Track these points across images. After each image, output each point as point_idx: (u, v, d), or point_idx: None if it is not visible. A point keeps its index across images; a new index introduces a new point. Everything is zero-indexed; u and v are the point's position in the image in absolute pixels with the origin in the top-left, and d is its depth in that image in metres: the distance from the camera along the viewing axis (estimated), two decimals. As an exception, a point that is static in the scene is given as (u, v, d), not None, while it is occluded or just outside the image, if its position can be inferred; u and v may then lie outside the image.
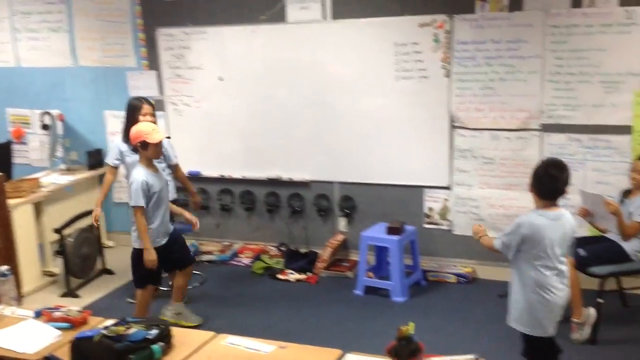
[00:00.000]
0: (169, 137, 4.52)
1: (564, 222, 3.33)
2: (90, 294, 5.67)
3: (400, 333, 2.90)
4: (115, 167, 5.14)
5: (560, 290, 3.36)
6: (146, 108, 4.98)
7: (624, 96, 4.84)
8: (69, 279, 5.68)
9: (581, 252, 4.38)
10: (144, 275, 4.58)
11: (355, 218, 5.93)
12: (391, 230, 5.32)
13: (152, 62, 6.32)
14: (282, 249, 6.10)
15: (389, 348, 2.90)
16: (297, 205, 6.06)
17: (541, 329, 3.39)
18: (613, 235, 4.49)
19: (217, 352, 3.14)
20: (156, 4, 6.16)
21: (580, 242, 4.53)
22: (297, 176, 6.00)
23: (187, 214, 4.85)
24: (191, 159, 6.37)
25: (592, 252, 4.43)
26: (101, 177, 6.69)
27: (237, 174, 6.25)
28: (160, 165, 4.83)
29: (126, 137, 4.97)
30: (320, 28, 5.63)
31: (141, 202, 4.40)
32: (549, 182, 3.31)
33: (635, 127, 4.85)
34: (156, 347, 3.02)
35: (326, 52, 5.64)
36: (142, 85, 6.40)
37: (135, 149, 4.50)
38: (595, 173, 5.02)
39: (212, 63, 6.08)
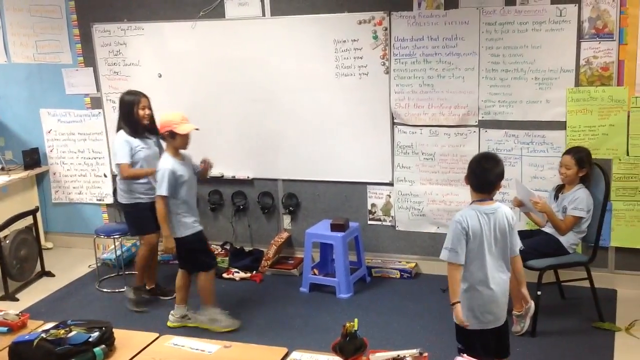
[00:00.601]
0: (197, 129, 4.59)
1: (498, 215, 3.34)
2: (30, 297, 5.54)
3: (345, 329, 2.92)
4: (131, 164, 5.00)
5: (497, 284, 3.37)
6: (144, 101, 4.98)
7: (557, 92, 4.97)
8: (7, 282, 5.52)
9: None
10: (197, 260, 4.70)
11: (299, 215, 5.94)
12: (335, 227, 5.35)
13: (88, 58, 6.20)
14: (227, 247, 6.06)
15: (334, 344, 2.92)
16: (241, 203, 6.04)
17: (468, 320, 3.36)
18: (550, 229, 4.62)
19: (161, 353, 3.10)
20: (91, -1, 6.05)
21: (519, 236, 4.63)
22: (240, 174, 5.98)
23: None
24: (131, 158, 6.28)
25: (530, 245, 4.53)
26: (38, 177, 6.57)
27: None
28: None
29: (133, 131, 4.96)
30: (259, 24, 5.61)
31: (164, 191, 4.47)
32: (482, 174, 3.35)
33: (569, 123, 5.00)
34: (98, 350, 2.98)
35: (266, 49, 5.63)
36: (78, 82, 6.29)
37: (162, 137, 4.57)
38: (532, 168, 5.15)
39: (150, 59, 6.00)
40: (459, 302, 3.33)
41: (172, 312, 4.87)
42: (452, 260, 3.31)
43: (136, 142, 4.98)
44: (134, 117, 4.95)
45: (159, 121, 4.62)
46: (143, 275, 5.27)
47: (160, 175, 4.49)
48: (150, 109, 5.04)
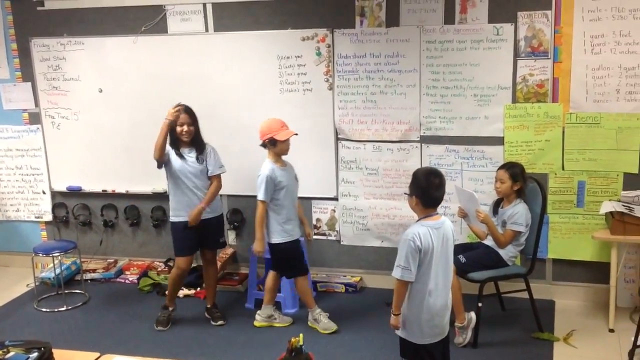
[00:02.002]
0: (296, 134, 4.71)
1: (445, 229, 3.42)
2: (-37, 320, 5.36)
3: (290, 345, 2.93)
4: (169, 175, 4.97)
5: (444, 297, 3.44)
6: (183, 117, 4.81)
7: (495, 109, 5.11)
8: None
9: (461, 258, 4.57)
10: (293, 266, 4.86)
11: (244, 231, 5.92)
12: (280, 242, 5.35)
13: (27, 73, 6.08)
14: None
15: (279, 360, 2.93)
16: (184, 219, 5.98)
17: (414, 335, 3.42)
18: (490, 241, 4.72)
19: (102, 374, 3.06)
20: (29, 13, 5.92)
21: (460, 248, 4.74)
22: (184, 190, 5.92)
23: (306, 227, 5.10)
24: (71, 174, 6.17)
25: (471, 258, 4.64)
26: (-28, 195, 6.39)
27: (120, 189, 6.09)
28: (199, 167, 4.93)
29: (172, 145, 4.86)
30: (202, 40, 5.60)
31: (262, 196, 4.67)
32: (434, 191, 3.39)
33: (507, 138, 5.13)
34: (37, 371, 2.91)
35: (210, 64, 5.62)
36: (16, 97, 6.17)
37: (264, 145, 4.70)
38: (472, 182, 5.27)
39: (90, 74, 5.92)
40: (399, 313, 3.41)
41: (258, 312, 5.03)
42: (405, 278, 3.34)
43: (172, 155, 4.87)
44: (174, 132, 4.82)
45: (260, 129, 4.69)
46: (172, 296, 5.14)
47: (260, 180, 4.68)
48: (191, 125, 4.84)
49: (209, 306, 5.19)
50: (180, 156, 4.87)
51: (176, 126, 4.81)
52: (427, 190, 3.40)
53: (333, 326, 4.88)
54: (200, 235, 4.98)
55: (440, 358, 3.52)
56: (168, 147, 4.88)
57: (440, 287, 3.42)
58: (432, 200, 3.42)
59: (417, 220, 3.45)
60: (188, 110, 4.86)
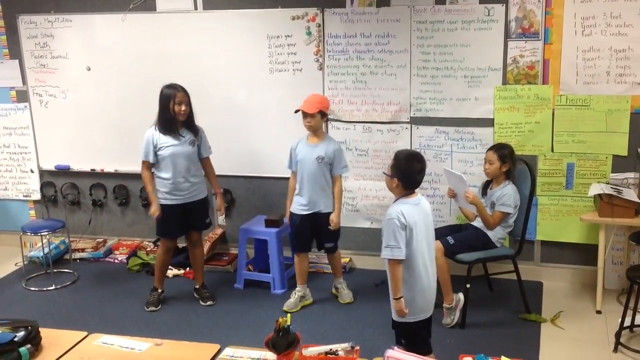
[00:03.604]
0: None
1: (423, 205, 3.46)
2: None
3: (277, 325, 2.94)
4: (153, 164, 4.87)
5: (432, 273, 3.46)
6: (180, 95, 4.73)
7: (485, 90, 5.09)
8: None
9: (450, 239, 4.58)
10: (292, 242, 5.02)
11: (233, 211, 5.91)
12: (269, 223, 5.35)
13: (14, 50, 6.02)
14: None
15: (267, 340, 2.93)
16: (173, 199, 5.96)
17: (413, 314, 3.40)
18: (478, 223, 4.73)
19: (89, 352, 3.07)
20: (16, -11, 5.87)
21: (449, 230, 4.75)
22: (173, 170, 5.89)
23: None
24: (59, 152, 6.14)
25: (459, 239, 4.65)
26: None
27: (109, 168, 6.07)
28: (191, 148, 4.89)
29: (162, 127, 4.77)
30: (191, 18, 5.55)
31: (287, 165, 4.95)
32: (417, 174, 3.43)
33: (497, 120, 5.13)
34: (24, 349, 2.94)
35: (199, 42, 5.58)
36: (3, 75, 6.12)
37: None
38: (461, 164, 5.26)
39: (79, 52, 5.87)
40: (402, 296, 3.36)
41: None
42: (395, 257, 3.32)
43: (164, 138, 4.78)
44: (168, 112, 4.72)
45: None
46: (159, 276, 5.15)
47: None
48: (188, 105, 4.77)
49: (197, 286, 5.20)
50: (175, 138, 4.81)
51: (174, 105, 4.73)
52: (409, 174, 3.42)
53: (298, 304, 4.97)
54: (186, 218, 4.96)
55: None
56: (156, 133, 4.80)
57: (429, 263, 3.44)
58: (413, 183, 3.45)
59: (396, 200, 3.46)
60: (185, 90, 4.80)
